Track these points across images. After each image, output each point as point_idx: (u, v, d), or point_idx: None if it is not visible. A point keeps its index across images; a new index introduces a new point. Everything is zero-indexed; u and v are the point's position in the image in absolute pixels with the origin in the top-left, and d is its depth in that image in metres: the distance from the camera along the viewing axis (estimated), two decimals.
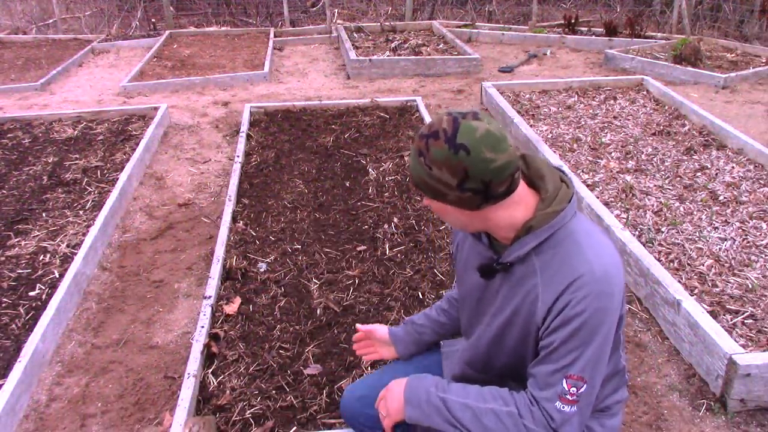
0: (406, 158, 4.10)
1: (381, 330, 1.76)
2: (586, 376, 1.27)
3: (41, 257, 3.07)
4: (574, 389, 1.27)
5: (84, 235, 3.20)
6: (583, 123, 4.67)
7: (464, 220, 1.34)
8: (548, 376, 1.29)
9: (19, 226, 3.36)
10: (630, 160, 3.99)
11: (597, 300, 1.25)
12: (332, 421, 2.09)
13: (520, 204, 1.31)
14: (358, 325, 1.79)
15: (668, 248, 2.98)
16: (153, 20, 8.79)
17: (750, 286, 2.69)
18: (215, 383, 2.27)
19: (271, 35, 7.85)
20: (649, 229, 3.15)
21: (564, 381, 1.27)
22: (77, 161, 4.15)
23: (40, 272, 2.95)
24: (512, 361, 1.42)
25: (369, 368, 2.31)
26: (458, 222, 1.35)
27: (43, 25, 8.77)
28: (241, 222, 3.36)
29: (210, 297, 2.66)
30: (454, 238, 1.62)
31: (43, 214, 3.48)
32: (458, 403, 1.34)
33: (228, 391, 2.22)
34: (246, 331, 2.54)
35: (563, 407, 1.27)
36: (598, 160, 4.00)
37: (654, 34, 7.70)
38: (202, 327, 2.47)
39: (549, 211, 1.31)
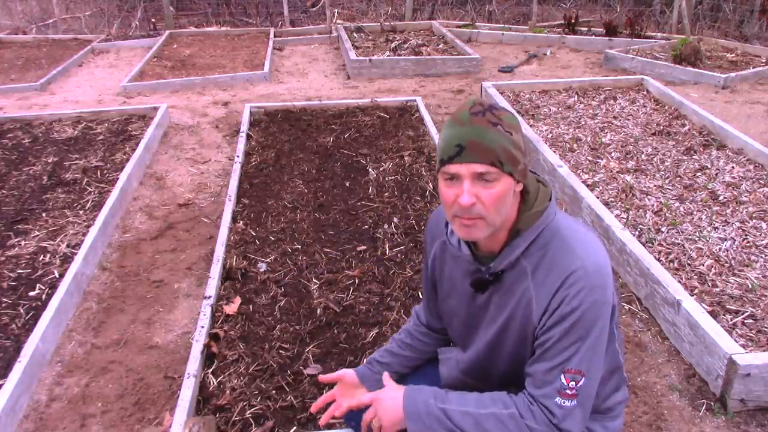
0: (406, 158, 4.10)
1: (348, 375, 1.68)
2: (584, 370, 1.27)
3: (41, 257, 3.07)
4: (573, 383, 1.27)
5: (84, 235, 3.20)
6: (583, 123, 4.67)
7: (510, 205, 1.30)
8: (545, 373, 1.29)
9: (19, 226, 3.36)
10: (630, 160, 3.99)
11: (591, 294, 1.26)
12: (332, 421, 2.09)
13: (514, 204, 1.32)
14: (321, 377, 1.72)
15: (668, 248, 2.98)
16: (153, 20, 8.78)
17: (750, 286, 2.69)
18: (215, 383, 2.27)
19: (271, 35, 7.85)
20: (649, 229, 3.15)
21: (562, 376, 1.27)
22: (77, 161, 4.15)
23: (40, 272, 2.95)
24: (511, 367, 1.42)
25: None
26: (507, 207, 1.29)
27: (43, 25, 8.76)
28: (241, 222, 3.36)
29: (210, 297, 2.66)
30: (428, 252, 1.59)
31: (43, 214, 3.48)
32: (459, 411, 1.33)
33: (228, 391, 2.22)
34: (246, 331, 2.54)
35: (563, 402, 1.27)
36: (598, 160, 4.00)
37: (654, 34, 7.70)
38: (202, 327, 2.47)
39: (533, 211, 1.32)
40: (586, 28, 8.02)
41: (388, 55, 6.65)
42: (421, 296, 2.71)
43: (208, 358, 2.39)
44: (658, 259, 2.85)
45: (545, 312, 1.29)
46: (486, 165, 1.23)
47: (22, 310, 2.69)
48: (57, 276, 2.90)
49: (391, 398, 1.43)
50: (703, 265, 2.85)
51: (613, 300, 1.32)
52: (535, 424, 1.28)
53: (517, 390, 1.37)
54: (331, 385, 2.25)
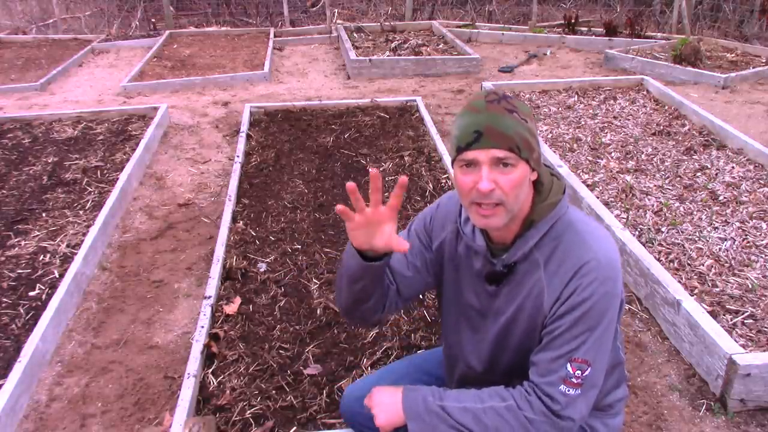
0: (406, 158, 4.10)
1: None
2: (591, 360, 1.28)
3: (41, 257, 3.07)
4: (579, 372, 1.28)
5: (84, 235, 3.20)
6: (583, 123, 4.67)
7: (526, 190, 1.30)
8: (551, 361, 1.30)
9: (19, 226, 3.36)
10: (630, 160, 3.99)
11: (603, 285, 1.27)
12: (332, 421, 2.09)
13: (528, 195, 1.32)
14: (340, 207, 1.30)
15: (668, 248, 2.98)
16: (153, 20, 8.78)
17: (750, 286, 2.69)
18: (215, 383, 2.27)
19: (271, 35, 7.85)
20: (649, 229, 3.15)
21: (568, 365, 1.28)
22: (77, 161, 4.15)
23: (40, 272, 2.95)
24: (518, 359, 1.42)
25: (369, 368, 2.31)
26: (524, 195, 1.30)
27: (43, 25, 8.76)
28: (241, 222, 3.36)
29: (210, 297, 2.66)
30: (436, 232, 1.53)
31: (43, 214, 3.48)
32: (457, 407, 1.34)
33: (228, 391, 2.22)
34: (246, 331, 2.54)
35: (568, 390, 1.28)
36: (598, 160, 4.00)
37: (654, 34, 7.70)
38: (202, 327, 2.47)
39: (547, 203, 1.33)
40: (586, 28, 8.02)
41: (388, 55, 6.65)
42: (421, 296, 2.71)
43: (208, 358, 2.39)
44: (658, 259, 2.85)
45: (557, 301, 1.30)
46: (505, 150, 1.24)
47: (22, 310, 2.69)
48: (57, 276, 2.90)
49: (390, 396, 1.43)
50: (703, 265, 2.85)
51: (621, 294, 1.33)
52: (533, 415, 1.28)
53: (521, 382, 1.37)
54: (332, 386, 2.25)
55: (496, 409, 1.31)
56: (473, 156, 1.25)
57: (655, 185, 3.62)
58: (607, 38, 7.34)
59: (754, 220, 3.22)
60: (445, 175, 3.84)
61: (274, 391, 2.23)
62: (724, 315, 2.52)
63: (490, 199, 1.26)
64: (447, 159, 3.98)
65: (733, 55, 6.70)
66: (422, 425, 1.36)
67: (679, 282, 2.64)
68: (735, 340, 2.26)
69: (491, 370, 1.49)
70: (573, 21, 7.92)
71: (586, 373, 1.28)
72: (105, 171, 4.01)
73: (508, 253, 1.35)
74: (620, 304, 1.34)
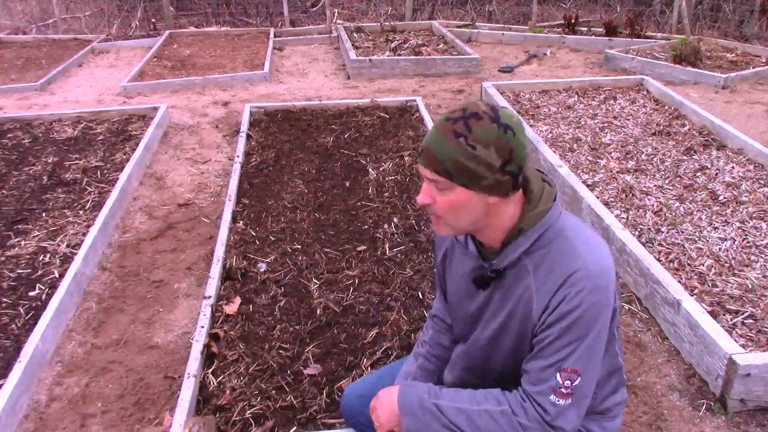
0: (406, 158, 4.10)
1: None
2: (580, 369, 1.28)
3: (41, 257, 3.07)
4: (569, 382, 1.27)
5: (84, 235, 3.20)
6: (583, 123, 4.67)
7: (480, 213, 1.29)
8: (541, 371, 1.29)
9: (19, 226, 3.36)
10: (630, 160, 3.99)
11: (592, 294, 1.26)
12: (332, 421, 2.09)
13: (517, 203, 1.32)
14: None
15: (668, 248, 2.98)
16: (153, 20, 8.78)
17: (750, 286, 2.69)
18: (215, 383, 2.27)
19: (271, 35, 7.85)
20: (649, 229, 3.15)
21: (558, 374, 1.27)
22: (77, 161, 4.15)
23: (40, 272, 2.95)
24: (510, 364, 1.42)
25: (369, 368, 2.31)
26: (472, 216, 1.29)
27: (43, 25, 8.76)
28: (241, 222, 3.36)
29: (210, 297, 2.66)
30: (439, 247, 1.57)
31: (43, 214, 3.48)
32: (452, 407, 1.34)
33: (228, 391, 2.22)
34: (246, 331, 2.54)
35: (557, 400, 1.28)
36: (598, 160, 4.00)
37: (654, 34, 7.70)
38: (202, 327, 2.47)
39: (537, 211, 1.32)
40: (586, 28, 8.02)
41: (388, 55, 6.65)
42: (421, 296, 2.72)
43: (208, 358, 2.39)
44: (658, 259, 2.85)
45: (545, 309, 1.29)
46: (433, 173, 1.27)
47: (22, 310, 2.69)
48: (57, 276, 2.90)
49: (387, 394, 1.44)
50: (703, 265, 2.85)
51: (614, 302, 1.32)
52: (527, 421, 1.28)
53: (515, 388, 1.37)
54: (332, 386, 2.25)
55: (490, 412, 1.31)
56: (419, 168, 1.31)
57: (655, 185, 3.62)
58: (607, 38, 7.34)
59: (754, 220, 3.22)
60: None
61: (274, 391, 2.23)
62: (724, 315, 2.52)
63: (430, 211, 1.34)
64: None
65: (733, 55, 6.70)
66: (416, 422, 1.36)
67: (679, 282, 2.64)
68: (735, 340, 2.26)
69: (483, 375, 1.50)
70: (573, 21, 7.93)
71: (576, 383, 1.27)
72: (105, 171, 4.01)
73: (497, 260, 1.36)
74: (613, 312, 1.33)
